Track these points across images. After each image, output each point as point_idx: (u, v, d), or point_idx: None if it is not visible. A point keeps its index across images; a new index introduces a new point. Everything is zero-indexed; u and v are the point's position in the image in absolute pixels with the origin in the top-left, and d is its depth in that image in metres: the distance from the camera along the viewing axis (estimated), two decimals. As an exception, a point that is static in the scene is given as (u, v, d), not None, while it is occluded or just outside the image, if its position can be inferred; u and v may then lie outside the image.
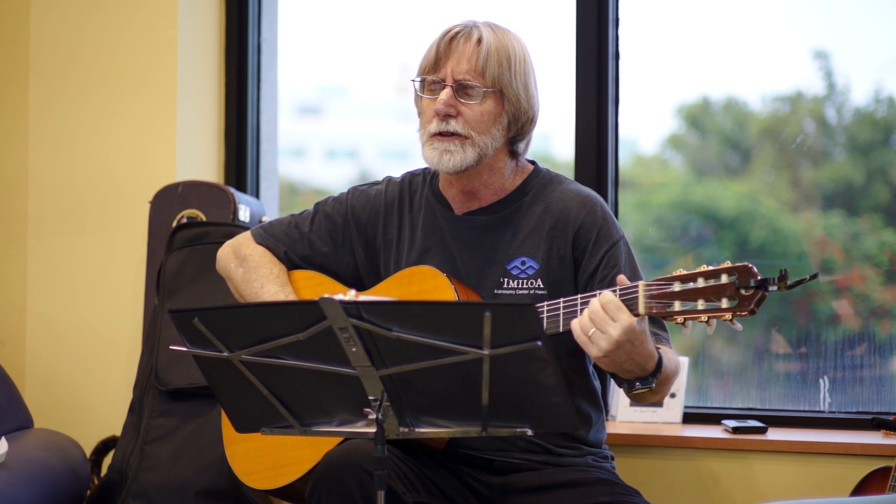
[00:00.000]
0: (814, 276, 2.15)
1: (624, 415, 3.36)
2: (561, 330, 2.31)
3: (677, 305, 2.18)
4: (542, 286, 2.49)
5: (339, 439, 2.45)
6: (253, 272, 2.66)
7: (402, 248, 2.61)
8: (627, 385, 2.30)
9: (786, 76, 3.47)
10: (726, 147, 3.65)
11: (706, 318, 2.16)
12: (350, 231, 2.65)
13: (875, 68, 3.36)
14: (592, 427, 2.56)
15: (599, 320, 2.20)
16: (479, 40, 2.47)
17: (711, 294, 2.15)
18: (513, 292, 2.50)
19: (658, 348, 2.32)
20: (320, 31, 4.02)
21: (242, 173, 3.84)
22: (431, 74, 2.50)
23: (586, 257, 2.49)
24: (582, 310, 2.25)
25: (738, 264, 2.15)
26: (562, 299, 2.33)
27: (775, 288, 2.12)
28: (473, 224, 2.56)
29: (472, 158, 2.48)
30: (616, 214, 3.46)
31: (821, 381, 3.30)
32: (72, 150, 3.76)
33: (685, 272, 2.19)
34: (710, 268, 2.17)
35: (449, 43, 2.49)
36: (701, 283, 2.17)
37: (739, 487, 3.13)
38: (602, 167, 3.42)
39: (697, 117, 3.64)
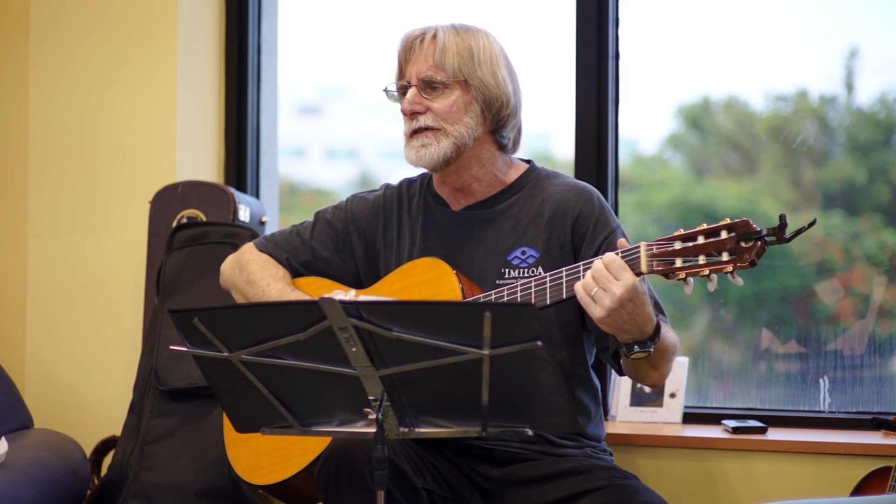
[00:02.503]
0: (812, 224, 2.18)
1: (624, 415, 3.36)
2: (564, 296, 2.34)
3: (679, 262, 2.22)
4: (542, 273, 2.50)
5: None
6: (257, 273, 2.68)
7: (402, 250, 2.64)
8: (626, 349, 2.31)
9: (787, 75, 3.47)
10: (726, 147, 3.64)
11: (708, 272, 2.19)
12: (350, 236, 2.69)
13: (878, 67, 3.36)
14: (591, 420, 2.58)
15: (602, 279, 2.23)
16: (434, 37, 2.54)
17: (712, 249, 2.19)
18: (515, 282, 2.51)
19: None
20: (320, 31, 4.02)
21: (242, 173, 3.84)
22: (398, 81, 2.59)
23: (585, 244, 2.53)
24: (584, 275, 2.27)
25: (736, 220, 2.19)
26: (564, 268, 2.35)
27: (774, 239, 2.15)
28: (472, 218, 2.59)
29: (448, 148, 2.53)
30: (616, 214, 3.45)
31: (821, 381, 3.29)
32: (71, 150, 3.76)
33: (685, 231, 2.22)
34: (710, 226, 2.20)
35: (408, 48, 2.56)
36: (701, 240, 2.21)
37: (739, 487, 3.13)
38: (602, 167, 3.42)
39: (697, 117, 3.64)
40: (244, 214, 3.53)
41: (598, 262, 2.24)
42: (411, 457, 2.41)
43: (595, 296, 2.24)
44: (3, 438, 2.94)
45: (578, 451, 2.54)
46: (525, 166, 2.65)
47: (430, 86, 2.53)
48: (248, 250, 2.75)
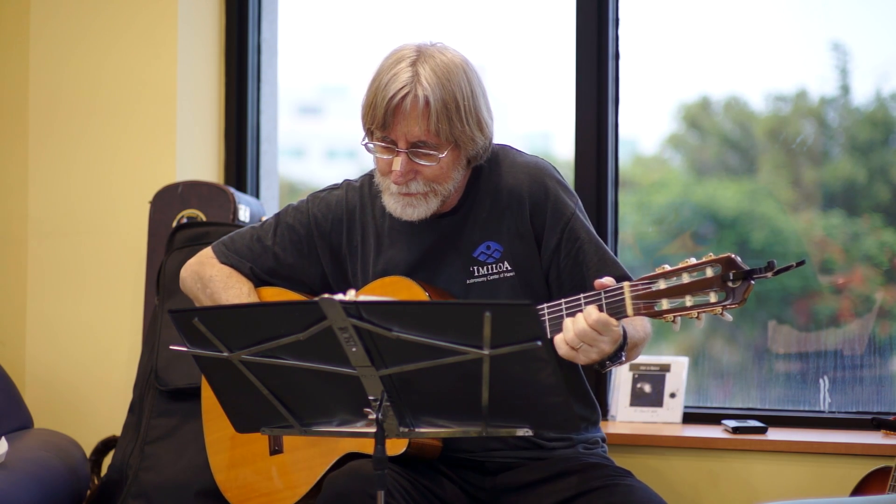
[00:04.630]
0: (800, 263, 2.14)
1: (624, 415, 3.36)
2: (548, 337, 2.27)
3: (665, 304, 2.18)
4: (509, 268, 2.48)
5: (333, 461, 2.45)
6: (221, 294, 2.62)
7: (367, 255, 2.57)
8: (599, 365, 2.30)
9: (786, 75, 3.47)
10: (726, 147, 3.65)
11: (696, 315, 2.16)
12: (314, 241, 2.61)
13: (876, 67, 3.36)
14: (578, 394, 2.54)
15: (589, 338, 2.21)
16: (427, 102, 2.37)
17: (698, 289, 2.16)
18: (484, 279, 2.49)
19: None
20: (320, 31, 4.02)
21: (242, 173, 3.84)
22: (381, 132, 2.42)
23: (546, 233, 2.48)
24: (568, 314, 2.24)
25: (720, 256, 2.15)
26: (546, 305, 2.30)
27: (762, 276, 2.11)
28: (438, 223, 2.53)
29: (436, 205, 2.47)
30: (616, 214, 3.46)
31: (821, 381, 3.30)
32: (72, 151, 3.76)
33: (669, 268, 2.18)
34: (694, 262, 2.17)
35: (397, 107, 2.38)
36: (686, 278, 2.17)
37: (739, 487, 3.13)
38: (602, 167, 3.42)
39: (697, 117, 3.64)
40: (244, 214, 3.53)
41: (582, 323, 2.21)
42: (406, 490, 2.37)
43: (581, 350, 2.22)
44: (3, 438, 2.94)
45: (570, 451, 2.51)
46: None
47: (419, 151, 2.40)
48: (210, 262, 2.66)
